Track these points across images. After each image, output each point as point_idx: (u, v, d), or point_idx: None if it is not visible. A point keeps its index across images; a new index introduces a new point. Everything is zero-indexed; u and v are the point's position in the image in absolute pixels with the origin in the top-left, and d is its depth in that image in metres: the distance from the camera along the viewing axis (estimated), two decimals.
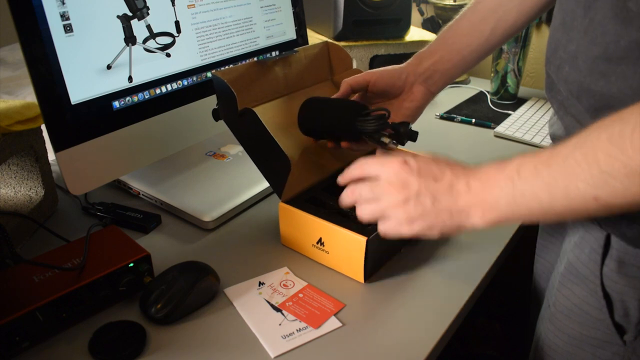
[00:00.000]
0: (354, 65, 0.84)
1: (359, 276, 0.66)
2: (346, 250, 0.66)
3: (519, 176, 0.49)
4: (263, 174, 0.72)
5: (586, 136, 0.45)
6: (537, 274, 0.77)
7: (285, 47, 0.98)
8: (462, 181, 0.52)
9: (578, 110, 0.56)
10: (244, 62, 0.73)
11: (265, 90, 0.74)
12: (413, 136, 0.66)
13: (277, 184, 0.70)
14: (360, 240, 0.63)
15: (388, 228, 0.57)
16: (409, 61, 0.77)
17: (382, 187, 0.56)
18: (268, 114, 0.71)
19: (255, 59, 0.74)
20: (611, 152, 0.43)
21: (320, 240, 0.68)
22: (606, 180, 0.43)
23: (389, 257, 0.71)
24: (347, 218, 0.67)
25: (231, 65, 0.76)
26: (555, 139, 0.67)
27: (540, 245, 0.76)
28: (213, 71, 0.69)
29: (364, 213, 0.58)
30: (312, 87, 0.81)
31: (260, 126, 0.68)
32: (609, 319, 0.58)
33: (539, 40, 1.44)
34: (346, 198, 0.60)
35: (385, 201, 0.56)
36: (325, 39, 1.25)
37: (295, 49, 0.79)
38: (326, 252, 0.68)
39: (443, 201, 0.53)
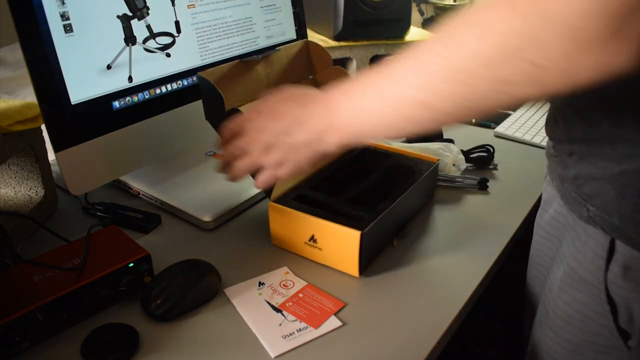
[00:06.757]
0: (354, 65, 0.84)
1: (354, 270, 0.66)
2: (340, 245, 0.66)
3: (362, 92, 0.50)
4: (251, 175, 0.72)
5: (419, 44, 0.45)
6: (531, 279, 0.75)
7: None
8: (309, 112, 0.56)
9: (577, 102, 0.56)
10: (227, 63, 0.72)
11: (248, 89, 0.75)
12: None
13: None
14: (354, 234, 0.63)
15: (264, 177, 0.61)
16: None
17: (246, 141, 0.61)
18: None
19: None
20: (433, 49, 0.43)
21: (312, 237, 0.68)
22: (428, 81, 0.43)
23: (381, 249, 0.71)
24: (338, 214, 0.67)
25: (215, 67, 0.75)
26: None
27: (534, 250, 0.75)
28: (199, 72, 0.69)
29: (238, 169, 0.63)
30: (292, 87, 0.81)
31: None
32: (612, 325, 0.57)
33: None
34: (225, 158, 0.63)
35: (253, 152, 0.60)
36: (325, 38, 1.25)
37: (277, 47, 0.78)
38: (319, 248, 0.68)
39: (296, 136, 0.56)
